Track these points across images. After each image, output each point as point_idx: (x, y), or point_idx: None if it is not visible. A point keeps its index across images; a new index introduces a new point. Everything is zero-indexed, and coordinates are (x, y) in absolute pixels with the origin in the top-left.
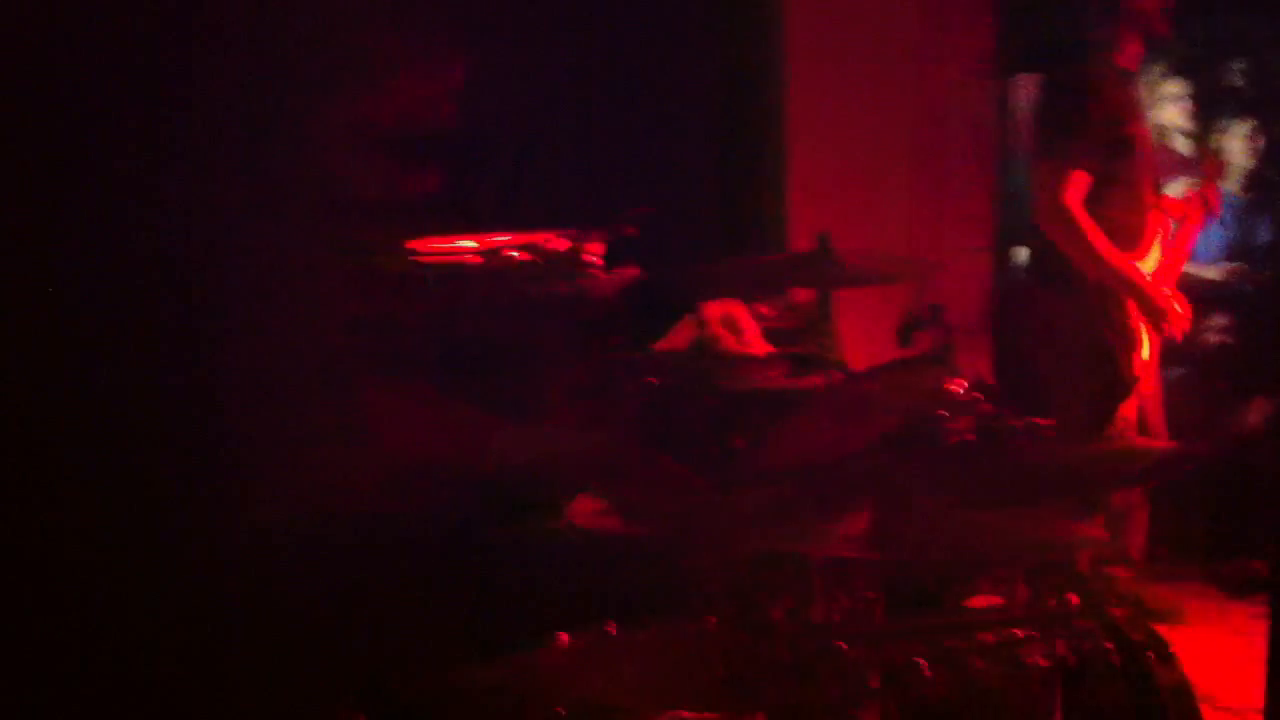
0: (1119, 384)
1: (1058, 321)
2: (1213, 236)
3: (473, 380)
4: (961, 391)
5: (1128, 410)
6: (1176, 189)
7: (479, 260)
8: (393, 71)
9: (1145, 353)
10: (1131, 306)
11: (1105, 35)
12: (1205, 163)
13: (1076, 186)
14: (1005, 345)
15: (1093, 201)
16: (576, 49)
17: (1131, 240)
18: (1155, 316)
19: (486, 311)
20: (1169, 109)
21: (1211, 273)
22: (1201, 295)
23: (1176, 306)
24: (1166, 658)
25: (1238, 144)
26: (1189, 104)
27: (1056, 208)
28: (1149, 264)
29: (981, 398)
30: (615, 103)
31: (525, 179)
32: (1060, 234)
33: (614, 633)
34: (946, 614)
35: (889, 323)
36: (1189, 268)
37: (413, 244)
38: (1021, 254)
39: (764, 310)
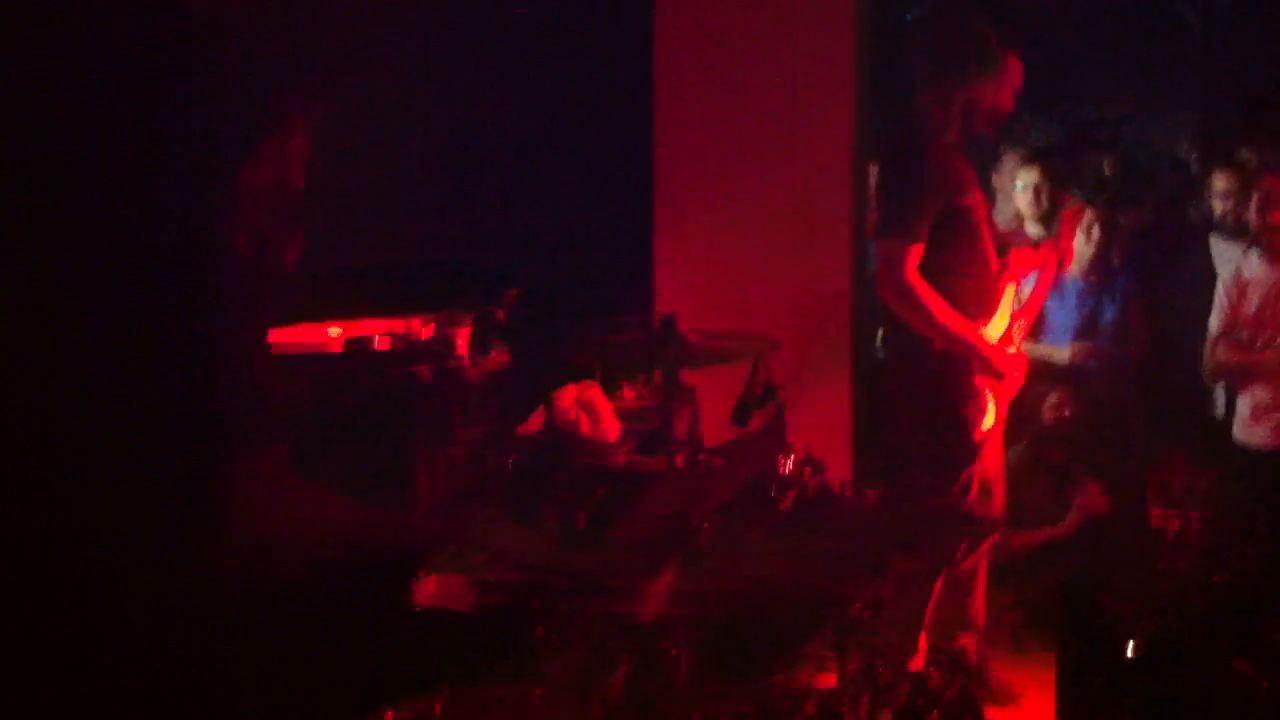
0: (965, 448)
1: (910, 390)
2: (1062, 317)
3: (340, 461)
4: (791, 465)
5: (970, 475)
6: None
7: (345, 348)
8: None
9: (989, 421)
10: (977, 373)
11: (932, 117)
12: (1065, 212)
13: (914, 259)
14: (869, 417)
15: (936, 271)
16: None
17: (978, 304)
18: (997, 375)
19: (353, 395)
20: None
21: (1063, 353)
22: (1051, 374)
23: (1015, 364)
24: None
25: (1080, 229)
26: (1037, 188)
27: (897, 282)
28: (998, 325)
29: (810, 471)
30: (484, 178)
31: (393, 260)
32: (903, 307)
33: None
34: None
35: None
36: (1041, 347)
37: (279, 331)
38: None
39: (626, 392)
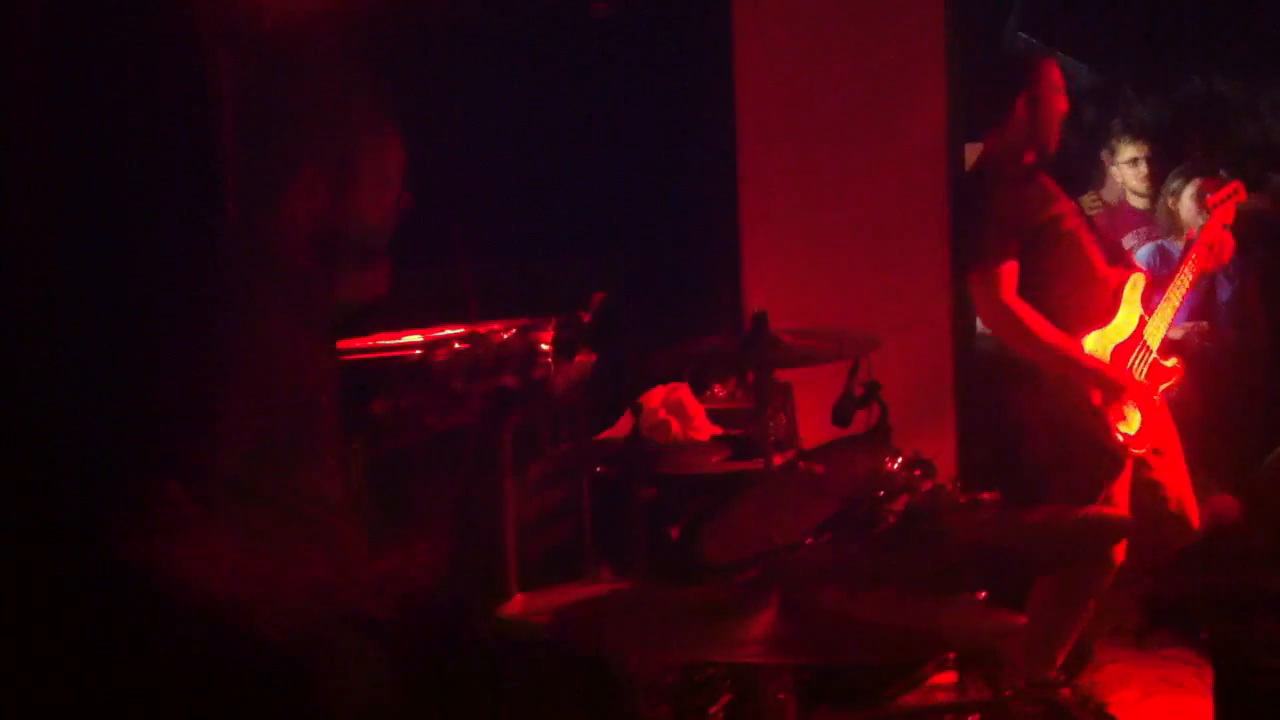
0: (1103, 463)
1: (1029, 411)
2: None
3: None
4: (897, 468)
5: (1119, 487)
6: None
7: (427, 355)
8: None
9: (1132, 425)
10: (1094, 388)
11: (996, 145)
12: (1211, 198)
13: (1008, 281)
14: (974, 421)
15: (1037, 286)
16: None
17: (1084, 316)
18: (1112, 392)
19: (435, 409)
20: (1127, 171)
21: (1176, 333)
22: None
23: (1138, 377)
24: None
25: (1194, 204)
26: (1144, 166)
27: (995, 309)
28: (1123, 327)
29: (920, 474)
30: (568, 184)
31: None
32: (1006, 333)
33: None
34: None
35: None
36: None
37: (359, 340)
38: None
39: (717, 390)
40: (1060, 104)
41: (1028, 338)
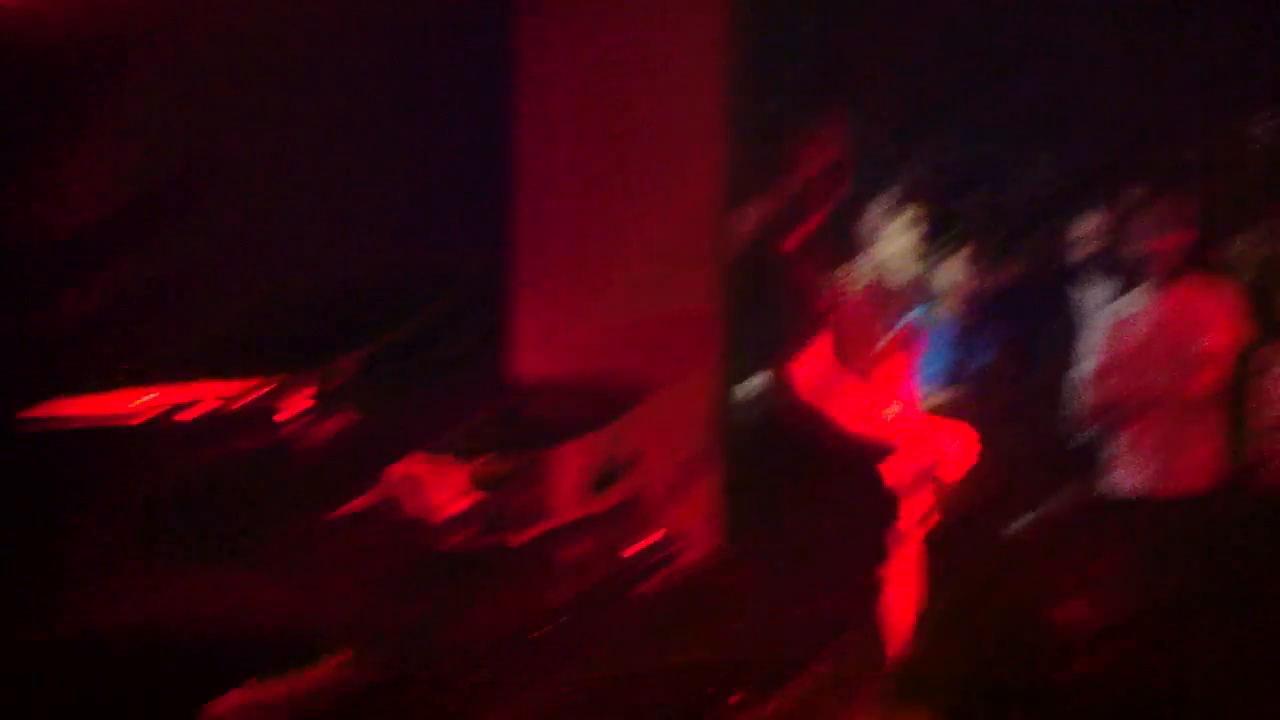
0: (878, 547)
1: (819, 485)
2: (937, 362)
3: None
4: (655, 541)
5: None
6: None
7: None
8: None
9: (910, 515)
10: (898, 458)
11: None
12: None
13: (805, 372)
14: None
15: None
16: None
17: (872, 393)
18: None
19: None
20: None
21: (937, 399)
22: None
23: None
24: None
25: (956, 268)
26: (916, 233)
27: (796, 398)
28: (892, 407)
29: (678, 548)
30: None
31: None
32: (814, 419)
33: None
34: None
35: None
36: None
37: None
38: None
39: (474, 459)
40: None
41: (833, 420)
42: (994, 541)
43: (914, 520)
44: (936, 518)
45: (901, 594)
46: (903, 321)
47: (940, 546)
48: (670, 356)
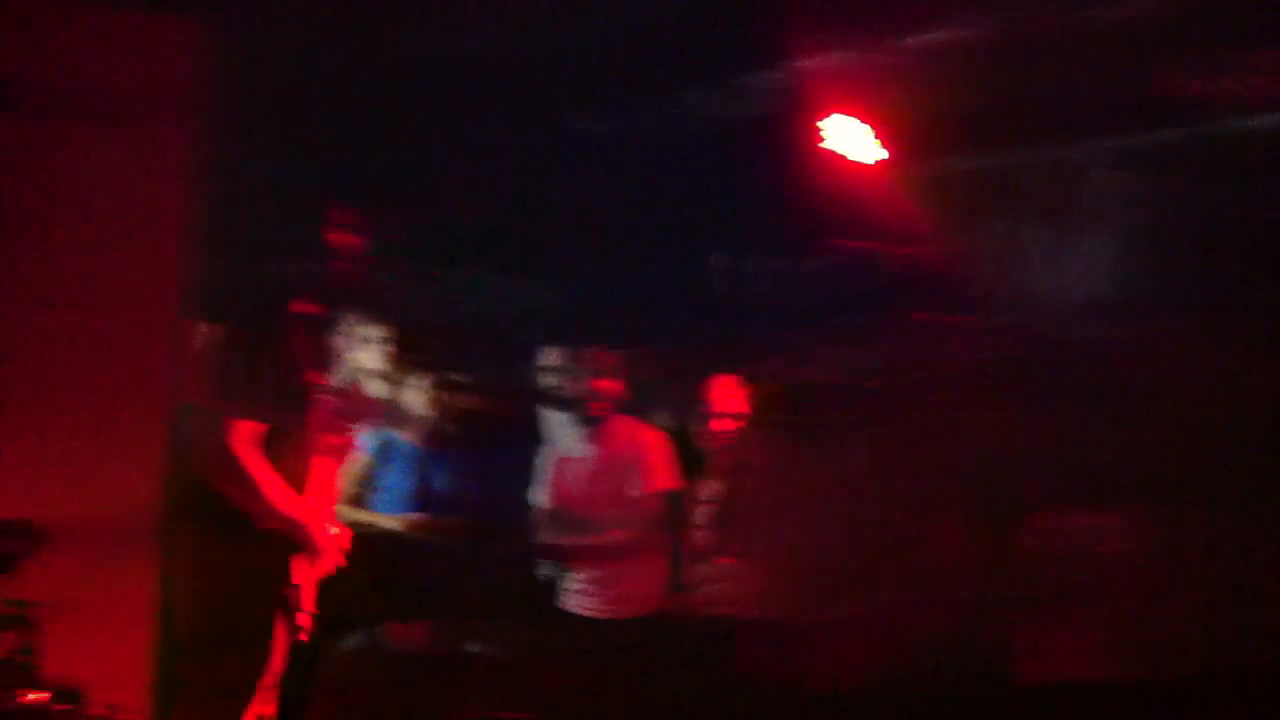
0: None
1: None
2: (398, 486)
3: None
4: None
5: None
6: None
7: None
8: None
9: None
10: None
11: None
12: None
13: (246, 433)
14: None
15: (273, 445)
16: None
17: (313, 479)
18: (314, 554)
19: None
20: (366, 352)
21: (394, 522)
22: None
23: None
24: None
25: (422, 395)
26: (386, 349)
27: (223, 455)
28: (325, 503)
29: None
30: None
31: None
32: (228, 480)
33: None
34: None
35: None
36: (371, 516)
37: None
38: None
39: None
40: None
41: (253, 491)
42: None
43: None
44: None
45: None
46: (358, 431)
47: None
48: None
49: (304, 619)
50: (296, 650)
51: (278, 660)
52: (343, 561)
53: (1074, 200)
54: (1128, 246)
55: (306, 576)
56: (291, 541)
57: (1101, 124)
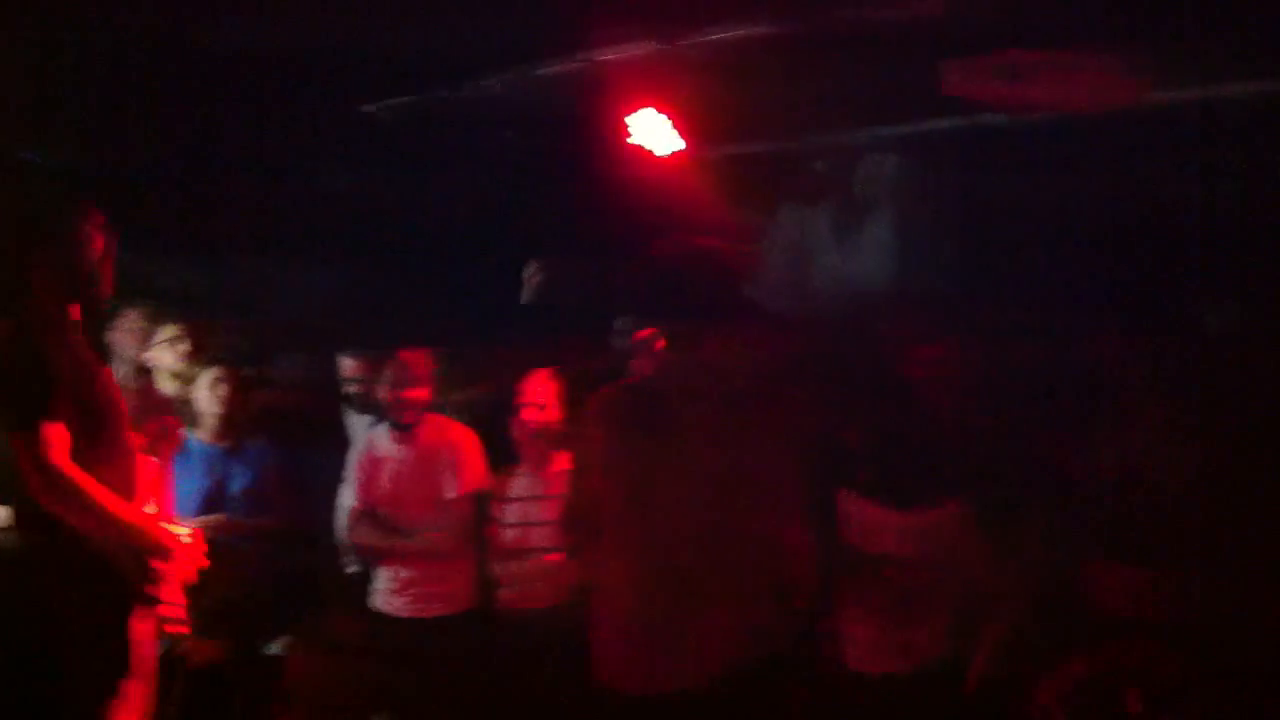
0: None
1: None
2: (190, 487)
3: None
4: None
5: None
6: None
7: None
8: None
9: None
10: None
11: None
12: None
13: (57, 442)
14: None
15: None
16: None
17: (128, 489)
18: (164, 555)
19: None
20: (163, 351)
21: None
22: None
23: (183, 539)
24: None
25: (215, 392)
26: (182, 347)
27: (42, 469)
28: (148, 507)
29: None
30: None
31: None
32: (54, 497)
33: None
34: None
35: None
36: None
37: None
38: None
39: None
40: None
41: (81, 501)
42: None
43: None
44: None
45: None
46: (161, 428)
47: None
48: None
49: (173, 627)
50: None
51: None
52: (204, 562)
53: (860, 188)
54: (911, 236)
55: (168, 583)
56: (142, 549)
57: (887, 113)
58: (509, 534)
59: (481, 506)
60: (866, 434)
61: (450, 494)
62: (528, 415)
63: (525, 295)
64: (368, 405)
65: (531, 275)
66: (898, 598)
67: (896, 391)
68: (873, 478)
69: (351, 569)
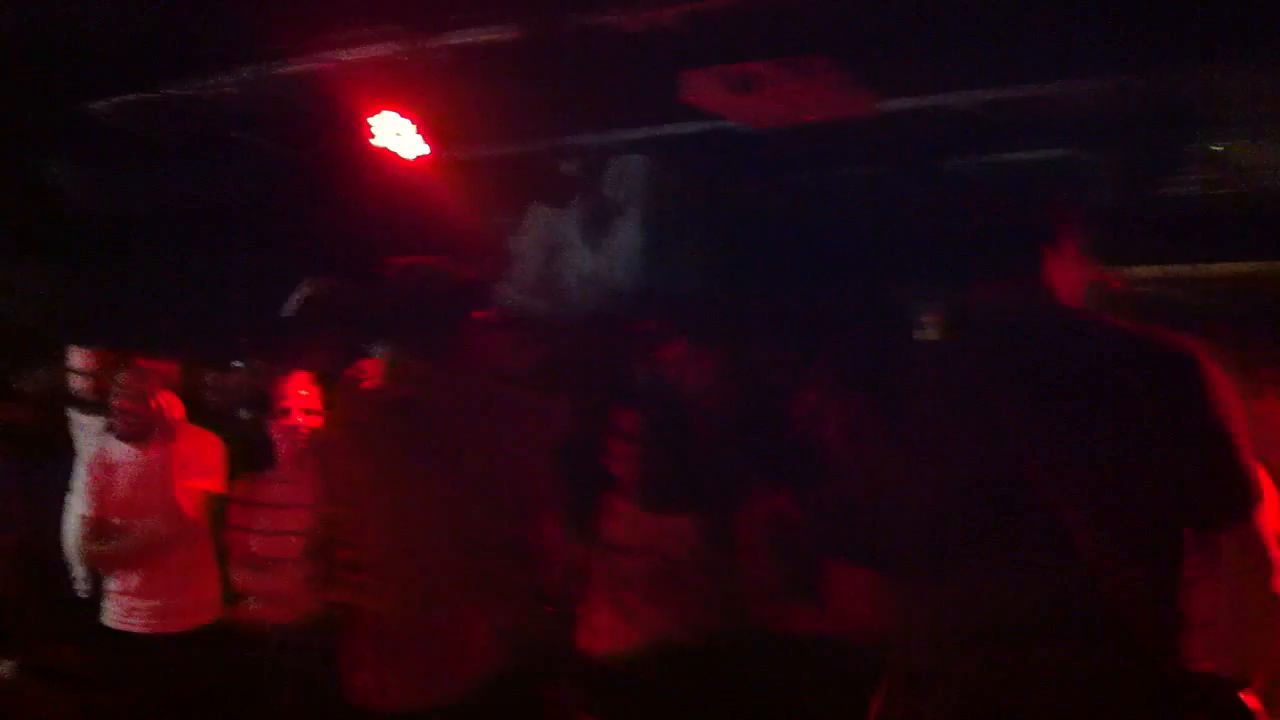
0: None
1: None
2: None
3: None
4: None
5: None
6: None
7: None
8: None
9: None
10: None
11: None
12: None
13: None
14: None
15: None
16: None
17: None
18: None
19: None
20: None
21: None
22: None
23: None
24: None
25: None
26: None
27: None
28: None
29: None
30: None
31: None
32: None
33: None
34: None
35: None
36: None
37: None
38: None
39: None
40: None
41: None
42: None
43: None
44: None
45: None
46: None
47: None
48: None
49: None
50: None
51: None
52: None
53: (608, 190)
54: (657, 236)
55: None
56: None
57: (633, 117)
58: (259, 542)
59: (219, 511)
60: (619, 436)
61: (182, 496)
62: (285, 419)
63: (286, 309)
64: (96, 405)
65: (296, 294)
66: (634, 585)
67: (646, 391)
68: (625, 478)
69: (81, 590)
